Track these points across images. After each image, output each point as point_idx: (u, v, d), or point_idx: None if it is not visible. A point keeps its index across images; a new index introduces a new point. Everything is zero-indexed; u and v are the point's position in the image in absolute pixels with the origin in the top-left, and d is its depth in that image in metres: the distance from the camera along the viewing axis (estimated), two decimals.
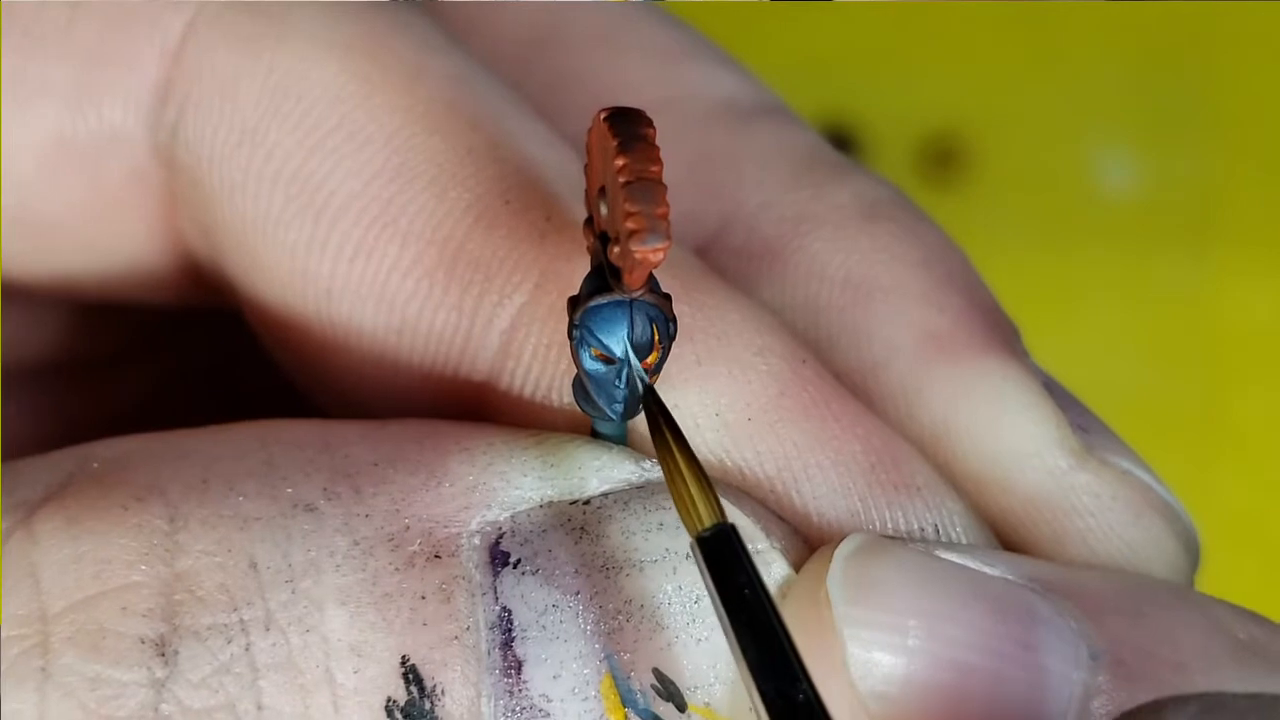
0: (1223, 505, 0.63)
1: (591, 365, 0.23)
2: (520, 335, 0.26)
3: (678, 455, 0.23)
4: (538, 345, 0.26)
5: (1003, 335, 0.28)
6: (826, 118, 0.67)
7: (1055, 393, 0.28)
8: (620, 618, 0.24)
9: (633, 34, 0.31)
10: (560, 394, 0.26)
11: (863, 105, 0.66)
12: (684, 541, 0.24)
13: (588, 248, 0.24)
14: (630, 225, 0.21)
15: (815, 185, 0.29)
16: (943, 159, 0.66)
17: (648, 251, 0.21)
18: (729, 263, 0.29)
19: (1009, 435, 0.27)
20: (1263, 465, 0.64)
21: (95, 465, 0.24)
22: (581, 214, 0.24)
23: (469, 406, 0.26)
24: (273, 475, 0.24)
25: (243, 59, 0.27)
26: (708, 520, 0.22)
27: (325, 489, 0.24)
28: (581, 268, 0.24)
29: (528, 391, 0.26)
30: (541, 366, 0.26)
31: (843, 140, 0.67)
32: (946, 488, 0.26)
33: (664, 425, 0.23)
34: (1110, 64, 0.67)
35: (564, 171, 0.27)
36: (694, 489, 0.23)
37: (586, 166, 0.23)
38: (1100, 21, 0.67)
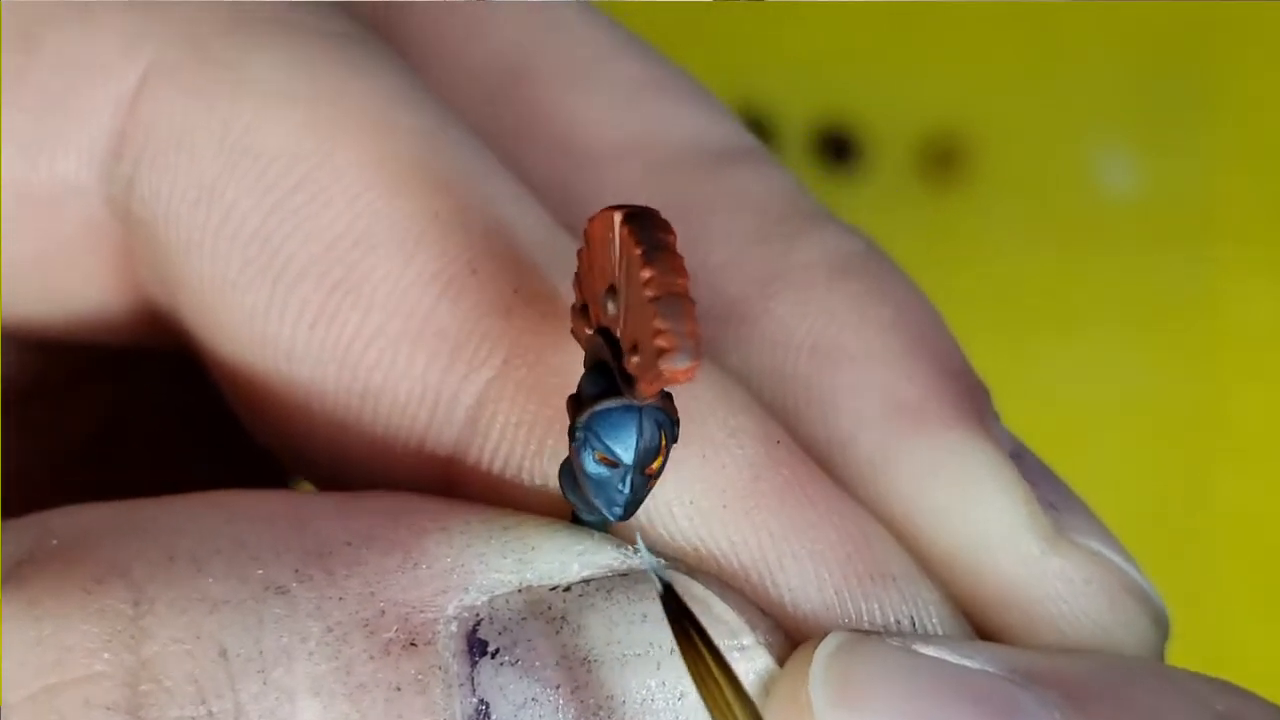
0: (1223, 505, 0.63)
1: (594, 469, 0.23)
2: (488, 412, 0.25)
3: (713, 665, 0.22)
4: (505, 423, 0.25)
5: (973, 403, 0.27)
6: (826, 118, 0.67)
7: (1024, 463, 0.27)
8: (602, 713, 0.23)
9: (602, 67, 0.30)
10: (531, 474, 0.25)
11: (863, 105, 0.66)
12: (668, 634, 0.23)
13: (573, 331, 0.23)
14: (661, 344, 0.20)
15: (784, 238, 0.28)
16: (943, 159, 0.66)
17: (678, 371, 0.20)
18: None
19: (978, 520, 0.26)
20: (1263, 465, 0.64)
21: (54, 542, 0.23)
22: (551, 280, 0.23)
23: (436, 479, 0.26)
24: (242, 554, 0.23)
25: (197, 113, 0.26)
26: None
27: (297, 570, 0.23)
28: (549, 341, 0.23)
29: (496, 468, 0.25)
30: (510, 445, 0.25)
31: (843, 140, 0.67)
32: (920, 576, 0.26)
33: (687, 630, 0.22)
34: (1111, 64, 0.67)
35: (533, 235, 0.26)
36: (736, 709, 0.22)
37: (582, 251, 0.22)
38: (1100, 21, 0.67)
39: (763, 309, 0.27)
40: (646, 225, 0.21)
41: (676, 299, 0.20)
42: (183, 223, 0.26)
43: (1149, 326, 0.66)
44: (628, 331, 0.21)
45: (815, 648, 0.24)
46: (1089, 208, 0.67)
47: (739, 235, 0.28)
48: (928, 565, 0.26)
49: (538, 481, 0.25)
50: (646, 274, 0.20)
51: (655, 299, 0.20)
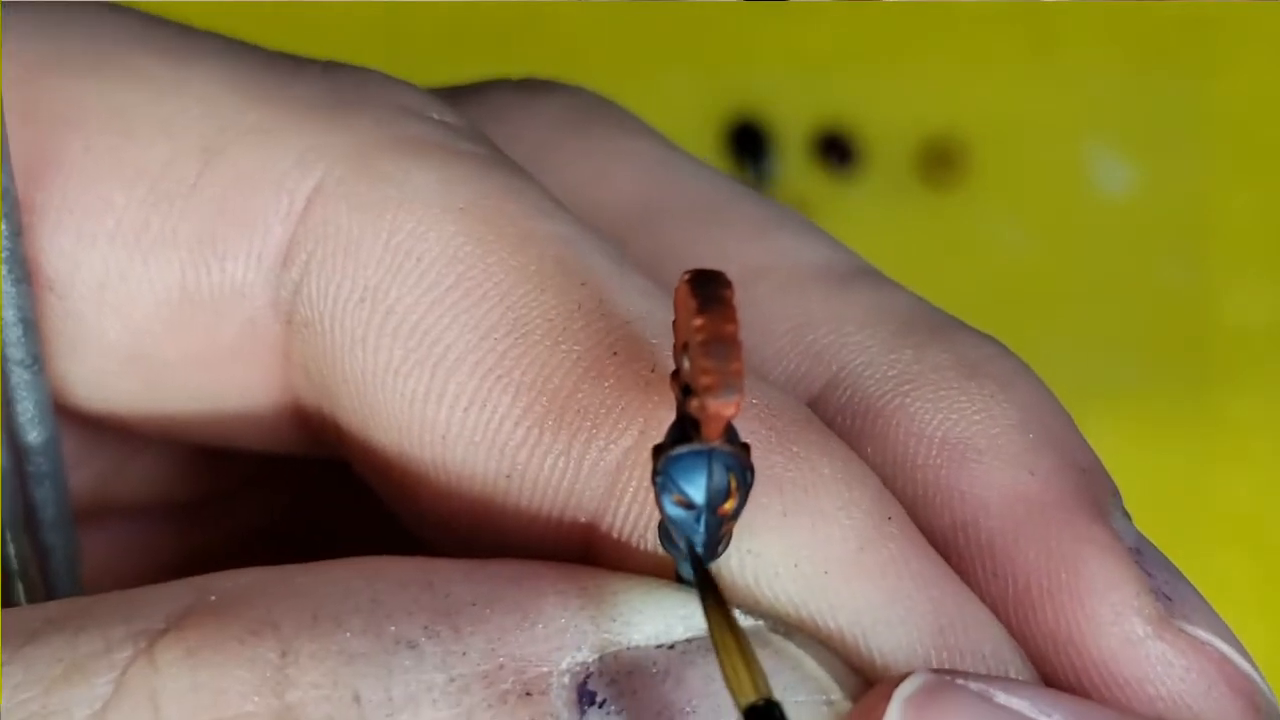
0: (1220, 505, 0.63)
1: (673, 510, 0.25)
2: (624, 477, 0.27)
3: (727, 629, 0.24)
4: (638, 488, 0.27)
5: (1093, 498, 0.28)
6: (825, 121, 0.67)
7: (1145, 556, 0.28)
8: None
9: (726, 208, 0.33)
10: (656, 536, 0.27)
11: (861, 108, 0.67)
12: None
13: (675, 398, 0.25)
14: (705, 381, 0.22)
15: (916, 345, 0.30)
16: (941, 161, 0.67)
17: (721, 406, 0.22)
18: (833, 419, 0.30)
19: (1087, 600, 0.27)
20: (1260, 466, 0.64)
21: (213, 598, 0.25)
22: None
23: (572, 547, 0.28)
24: (377, 612, 0.25)
25: (365, 221, 0.28)
26: (752, 694, 0.23)
27: (426, 627, 0.25)
28: None
29: (628, 533, 0.27)
30: (641, 508, 0.27)
31: (842, 143, 0.67)
32: (1013, 655, 0.27)
33: (710, 600, 0.24)
34: (1107, 66, 0.67)
35: (667, 325, 0.28)
36: (740, 662, 0.24)
37: (674, 323, 0.24)
38: (1097, 23, 0.67)
39: (897, 405, 0.29)
40: (705, 281, 0.23)
41: (721, 342, 0.22)
42: (348, 320, 0.28)
43: (1147, 328, 0.66)
44: (692, 379, 0.23)
45: (894, 686, 0.25)
46: (1086, 209, 0.67)
47: (874, 342, 0.30)
48: (1030, 644, 0.28)
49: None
50: (698, 321, 0.23)
51: (703, 342, 0.22)
